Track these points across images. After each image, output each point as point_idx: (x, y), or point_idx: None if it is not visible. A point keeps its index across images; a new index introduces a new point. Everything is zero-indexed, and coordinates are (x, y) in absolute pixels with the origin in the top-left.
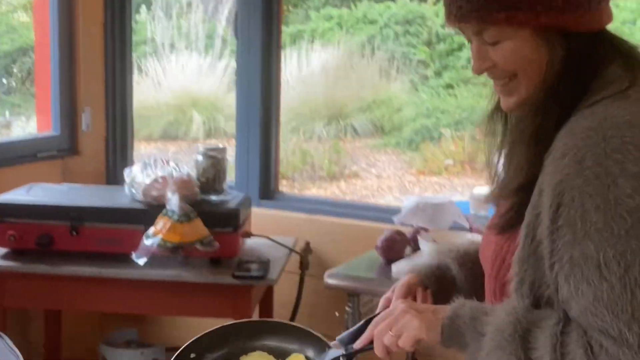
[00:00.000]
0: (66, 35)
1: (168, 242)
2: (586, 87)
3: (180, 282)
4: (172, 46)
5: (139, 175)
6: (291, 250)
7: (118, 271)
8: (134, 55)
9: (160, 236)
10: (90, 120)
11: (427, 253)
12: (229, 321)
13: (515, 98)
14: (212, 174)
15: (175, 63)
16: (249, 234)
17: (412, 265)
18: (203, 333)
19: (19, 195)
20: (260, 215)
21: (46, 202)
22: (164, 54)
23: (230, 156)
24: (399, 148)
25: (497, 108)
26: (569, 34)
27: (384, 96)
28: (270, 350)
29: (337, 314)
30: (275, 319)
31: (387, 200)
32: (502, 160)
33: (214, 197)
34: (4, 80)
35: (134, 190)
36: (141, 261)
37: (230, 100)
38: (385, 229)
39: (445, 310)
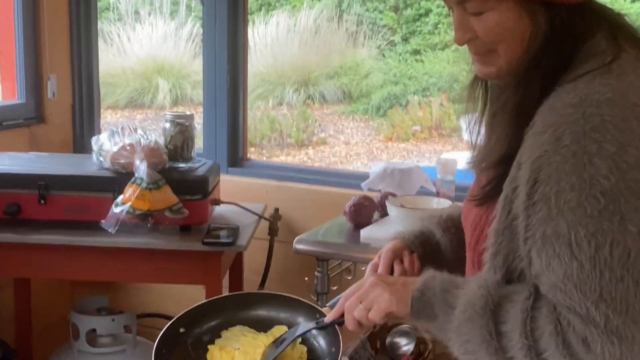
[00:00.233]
0: (30, 1)
1: (137, 210)
2: (569, 59)
3: (150, 250)
4: (137, 12)
5: (107, 143)
6: (260, 216)
7: (87, 239)
8: (99, 23)
9: (129, 204)
10: (56, 88)
11: (394, 217)
12: (199, 287)
13: (494, 68)
14: (180, 141)
15: (140, 30)
16: (218, 201)
17: (395, 232)
18: (193, 306)
19: None
20: (229, 183)
21: (13, 171)
22: (128, 21)
23: (198, 124)
24: (367, 115)
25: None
26: (553, 5)
27: (352, 62)
28: (260, 321)
29: (306, 279)
30: (265, 290)
31: (355, 166)
32: (482, 129)
33: (182, 165)
34: None
35: (101, 158)
36: (110, 229)
37: (196, 67)
38: (353, 195)
39: (415, 282)
